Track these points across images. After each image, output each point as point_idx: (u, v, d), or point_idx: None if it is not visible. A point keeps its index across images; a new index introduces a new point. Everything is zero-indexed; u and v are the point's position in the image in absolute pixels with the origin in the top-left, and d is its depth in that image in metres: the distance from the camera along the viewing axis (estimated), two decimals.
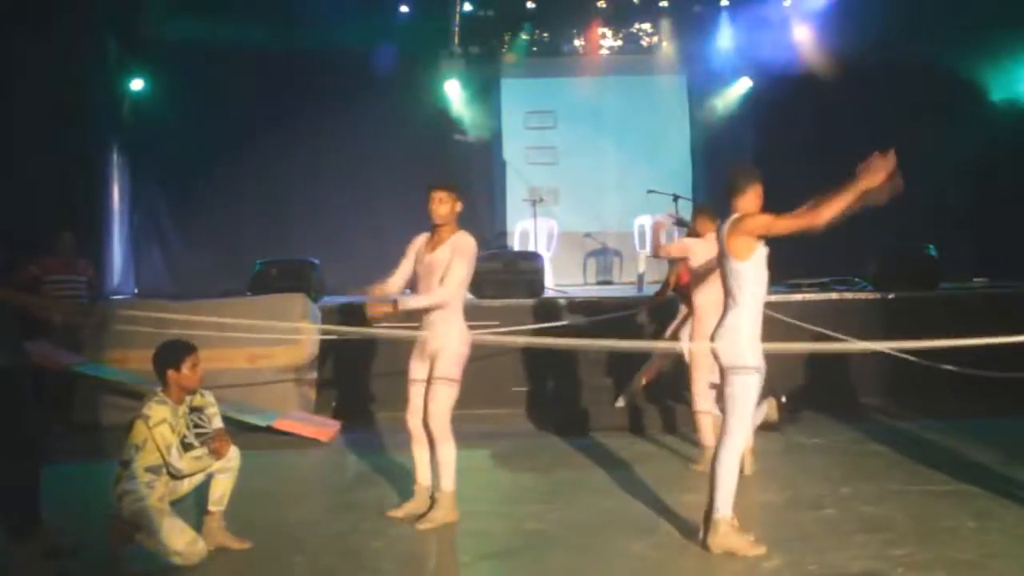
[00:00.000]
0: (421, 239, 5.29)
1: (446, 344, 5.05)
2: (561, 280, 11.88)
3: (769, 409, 7.55)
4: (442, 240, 5.15)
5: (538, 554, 4.72)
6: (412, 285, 5.33)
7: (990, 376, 6.07)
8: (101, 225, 11.32)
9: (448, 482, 5.10)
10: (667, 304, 8.70)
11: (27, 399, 4.71)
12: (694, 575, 4.43)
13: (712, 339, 4.61)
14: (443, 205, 5.13)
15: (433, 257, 5.12)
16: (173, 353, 4.63)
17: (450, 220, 5.18)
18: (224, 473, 4.71)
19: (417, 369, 5.18)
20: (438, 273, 5.07)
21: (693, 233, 7.58)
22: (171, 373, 4.61)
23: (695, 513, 4.91)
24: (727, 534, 4.49)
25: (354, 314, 8.51)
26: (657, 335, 8.25)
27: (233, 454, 4.75)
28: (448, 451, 5.08)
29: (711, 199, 12.78)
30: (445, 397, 5.05)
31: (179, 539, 4.43)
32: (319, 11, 11.48)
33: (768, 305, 8.75)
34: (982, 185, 12.00)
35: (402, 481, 6.32)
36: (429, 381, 5.08)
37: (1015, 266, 10.75)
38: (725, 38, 12.77)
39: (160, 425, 4.49)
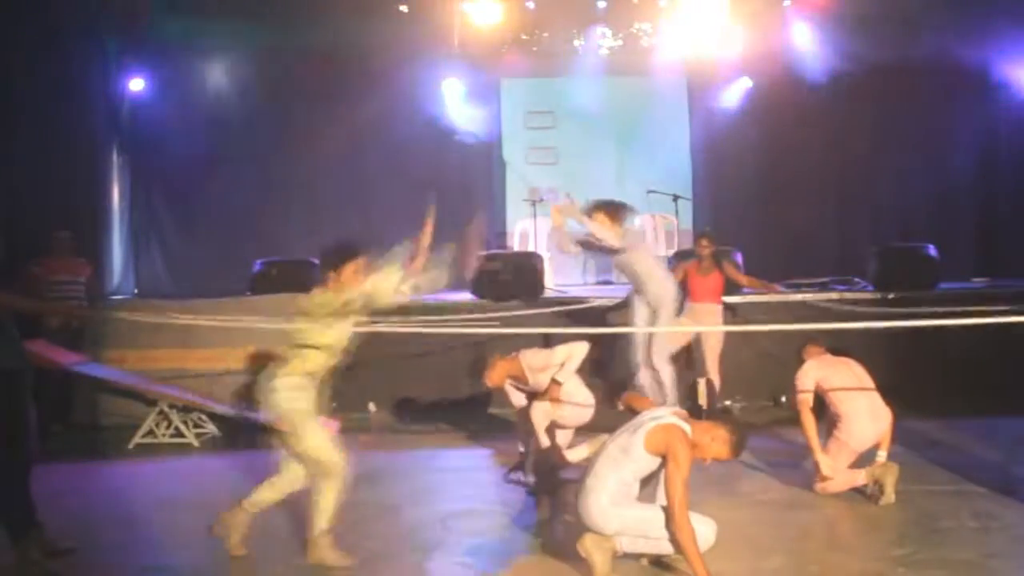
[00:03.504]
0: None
1: None
2: (561, 280, 11.86)
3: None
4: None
5: (538, 554, 4.72)
6: None
7: None
8: (101, 225, 11.31)
9: None
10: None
11: (28, 400, 4.69)
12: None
13: None
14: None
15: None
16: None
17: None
18: (326, 483, 4.55)
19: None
20: None
21: (692, 255, 7.86)
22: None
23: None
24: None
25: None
26: None
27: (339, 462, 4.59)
28: None
29: (711, 199, 12.82)
30: None
31: (326, 443, 4.48)
32: (319, 11, 11.47)
33: (768, 305, 8.81)
34: (983, 185, 12.00)
35: (402, 481, 6.32)
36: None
37: (1015, 266, 10.75)
38: (725, 38, 12.76)
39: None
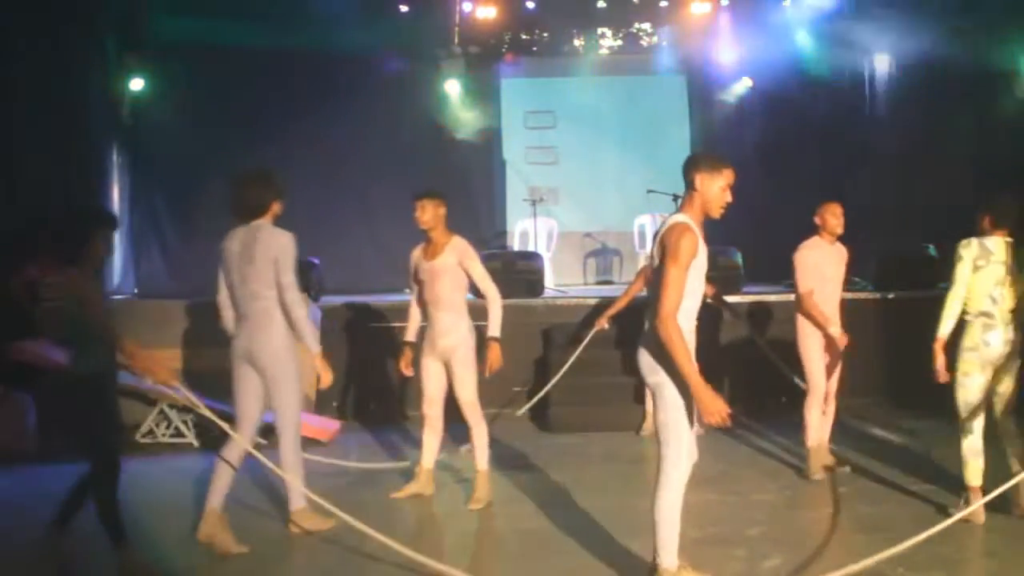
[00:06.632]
0: (416, 252, 5.75)
1: (464, 338, 5.57)
2: (561, 280, 11.87)
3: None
4: (440, 248, 5.58)
5: (538, 554, 4.72)
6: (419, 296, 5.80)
7: None
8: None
9: (483, 462, 5.68)
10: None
11: (114, 405, 4.83)
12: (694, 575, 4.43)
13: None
14: (424, 212, 5.60)
15: (434, 265, 5.57)
16: None
17: (436, 225, 5.60)
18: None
19: (431, 364, 5.65)
20: (444, 279, 5.53)
21: None
22: None
23: (695, 513, 4.91)
24: None
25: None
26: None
27: None
28: (482, 433, 5.69)
29: None
30: (472, 384, 5.62)
31: None
32: (319, 11, 11.45)
33: (768, 305, 8.79)
34: (982, 185, 11.96)
35: (402, 480, 6.33)
36: (452, 374, 5.60)
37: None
38: (725, 38, 12.76)
39: None
